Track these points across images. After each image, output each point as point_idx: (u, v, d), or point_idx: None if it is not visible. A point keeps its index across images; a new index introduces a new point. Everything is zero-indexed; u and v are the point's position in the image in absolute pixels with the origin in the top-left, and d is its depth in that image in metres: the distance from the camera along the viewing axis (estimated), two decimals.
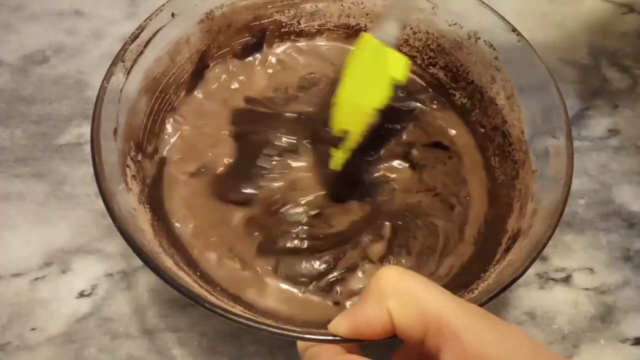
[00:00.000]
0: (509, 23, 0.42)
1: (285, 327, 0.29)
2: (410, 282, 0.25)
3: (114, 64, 0.38)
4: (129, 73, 0.39)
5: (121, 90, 0.38)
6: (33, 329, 0.40)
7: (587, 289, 0.44)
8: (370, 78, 0.39)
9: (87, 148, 0.48)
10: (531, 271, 0.32)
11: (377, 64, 0.39)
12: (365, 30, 0.49)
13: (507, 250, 0.36)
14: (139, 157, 0.39)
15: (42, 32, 0.55)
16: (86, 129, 0.49)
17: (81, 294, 0.41)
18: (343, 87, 0.40)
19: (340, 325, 0.27)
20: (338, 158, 0.41)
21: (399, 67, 0.38)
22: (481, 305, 0.30)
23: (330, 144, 0.42)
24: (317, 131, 0.44)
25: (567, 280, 0.44)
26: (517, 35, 0.41)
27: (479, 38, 0.44)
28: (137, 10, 0.58)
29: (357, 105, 0.39)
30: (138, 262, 0.42)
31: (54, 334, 0.40)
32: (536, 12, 0.60)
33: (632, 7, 0.61)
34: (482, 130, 0.45)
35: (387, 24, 0.40)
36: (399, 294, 0.25)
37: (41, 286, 0.41)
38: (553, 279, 0.44)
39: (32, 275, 0.42)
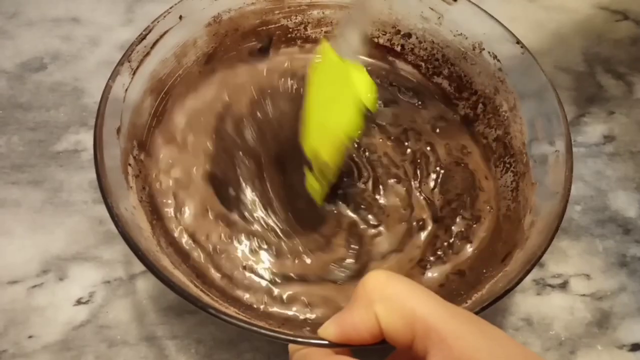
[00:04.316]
0: (513, 35, 0.42)
1: (276, 329, 0.29)
2: (398, 286, 0.25)
3: (120, 63, 0.38)
4: (134, 73, 0.39)
5: (126, 90, 0.38)
6: (30, 337, 0.39)
7: (583, 294, 0.44)
8: (338, 99, 0.36)
9: (84, 155, 0.48)
10: (528, 277, 0.32)
11: (343, 84, 0.35)
12: (371, 38, 0.49)
13: (503, 261, 0.36)
14: (142, 157, 0.39)
15: (38, 39, 0.55)
16: (83, 136, 0.49)
17: (78, 302, 0.41)
18: (310, 105, 0.37)
19: (329, 330, 0.27)
20: (317, 192, 0.39)
21: (367, 93, 0.34)
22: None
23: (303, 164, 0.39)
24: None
25: (563, 286, 0.44)
26: (522, 47, 0.42)
27: (484, 49, 0.44)
28: (133, 17, 0.58)
29: (327, 130, 0.36)
30: (135, 269, 0.42)
31: (50, 341, 0.39)
32: (531, 19, 0.61)
33: (626, 15, 0.62)
34: (485, 141, 0.45)
35: (348, 33, 0.36)
36: (386, 299, 0.25)
37: (38, 293, 0.41)
38: (550, 285, 0.44)
39: (28, 282, 0.42)
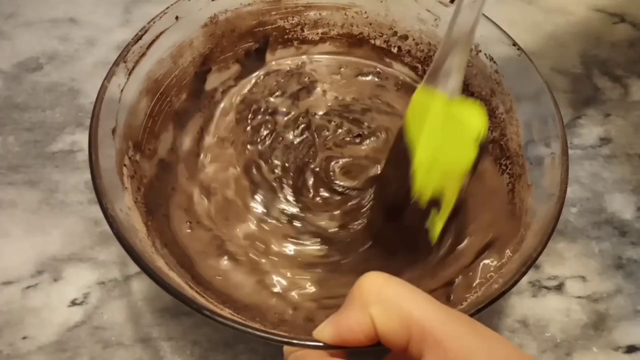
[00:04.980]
0: (510, 37, 0.42)
1: (271, 331, 0.29)
2: (394, 288, 0.25)
3: (115, 64, 0.38)
4: (130, 74, 0.39)
5: (122, 90, 0.38)
6: (24, 338, 0.39)
7: (579, 297, 0.44)
8: (451, 138, 0.35)
9: (80, 155, 0.48)
10: (524, 279, 0.32)
11: (455, 121, 0.35)
12: (368, 40, 0.49)
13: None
14: (137, 157, 0.39)
15: (35, 39, 0.55)
16: (79, 137, 0.49)
17: (73, 303, 0.41)
18: (421, 152, 0.35)
19: (324, 331, 0.27)
20: (437, 228, 0.37)
21: (480, 123, 0.34)
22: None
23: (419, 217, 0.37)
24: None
25: (559, 288, 0.44)
26: (518, 49, 0.42)
27: (480, 51, 0.44)
28: (131, 17, 0.58)
29: (445, 169, 0.35)
30: (131, 270, 0.42)
31: (45, 342, 0.39)
32: (528, 21, 0.61)
33: (623, 17, 0.62)
34: None
35: (449, 71, 0.35)
36: (382, 301, 0.25)
37: (33, 294, 0.41)
38: (546, 287, 0.44)
39: (23, 283, 0.41)
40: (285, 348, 0.29)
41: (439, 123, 0.35)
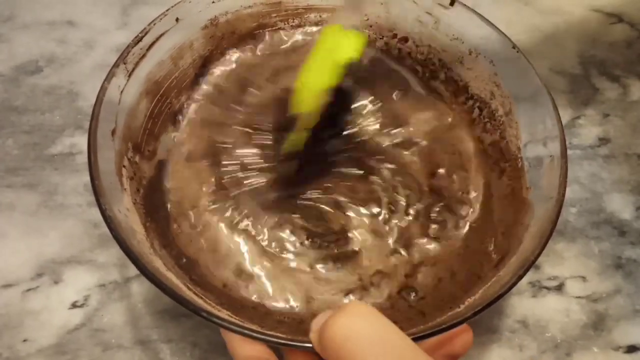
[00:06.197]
0: (509, 39, 0.42)
1: (270, 333, 0.29)
2: (355, 350, 0.23)
3: (115, 65, 0.38)
4: (130, 75, 0.39)
5: (121, 92, 0.38)
6: (24, 341, 0.39)
7: (579, 297, 0.44)
8: (327, 61, 0.38)
9: (79, 158, 0.48)
10: (524, 280, 0.32)
11: (334, 47, 0.38)
12: (368, 42, 0.49)
13: (496, 265, 0.36)
14: (137, 159, 0.39)
15: (33, 42, 0.55)
16: (78, 139, 0.49)
17: (73, 305, 0.41)
18: (302, 73, 0.39)
19: (318, 320, 0.27)
20: (290, 140, 0.40)
21: (352, 45, 0.37)
22: (466, 320, 0.30)
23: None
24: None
25: (559, 288, 0.44)
26: (517, 52, 0.42)
27: (480, 54, 0.44)
28: (129, 20, 0.58)
29: (312, 87, 0.38)
30: (130, 272, 0.42)
31: (45, 345, 0.39)
32: (526, 22, 0.61)
33: (621, 17, 0.62)
34: (480, 145, 0.45)
35: (346, 14, 0.40)
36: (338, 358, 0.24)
37: (32, 297, 0.41)
38: (546, 287, 0.44)
39: (23, 286, 0.41)
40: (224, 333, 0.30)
41: (323, 47, 0.39)
